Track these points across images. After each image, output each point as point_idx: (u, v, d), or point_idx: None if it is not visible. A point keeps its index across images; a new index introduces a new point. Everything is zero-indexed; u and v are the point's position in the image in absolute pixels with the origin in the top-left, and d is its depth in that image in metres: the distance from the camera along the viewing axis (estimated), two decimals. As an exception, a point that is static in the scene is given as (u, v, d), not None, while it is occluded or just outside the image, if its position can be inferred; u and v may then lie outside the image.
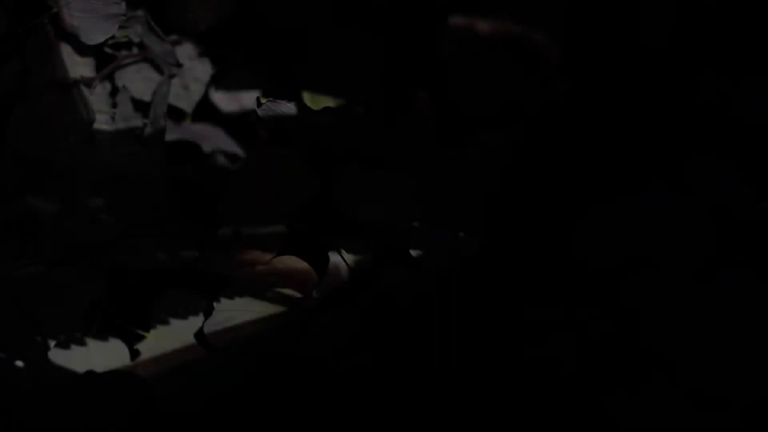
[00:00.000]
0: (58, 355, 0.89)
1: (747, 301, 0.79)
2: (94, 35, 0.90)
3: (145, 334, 0.91)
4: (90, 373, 0.88)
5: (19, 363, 0.87)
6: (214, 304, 0.86)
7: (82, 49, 0.95)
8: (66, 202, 0.91)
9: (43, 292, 0.88)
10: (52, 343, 0.88)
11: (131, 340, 0.91)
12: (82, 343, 0.90)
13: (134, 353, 0.91)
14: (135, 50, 1.03)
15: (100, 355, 0.90)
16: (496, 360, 0.86)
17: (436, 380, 0.88)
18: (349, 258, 0.86)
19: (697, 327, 0.79)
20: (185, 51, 1.08)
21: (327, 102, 1.07)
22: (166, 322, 0.91)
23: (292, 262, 0.88)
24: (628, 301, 0.81)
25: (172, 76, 0.98)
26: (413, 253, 0.85)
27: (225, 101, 1.12)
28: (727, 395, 0.77)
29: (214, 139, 1.11)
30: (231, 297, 0.87)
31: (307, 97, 1.06)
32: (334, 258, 0.86)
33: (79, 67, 0.95)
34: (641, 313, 0.80)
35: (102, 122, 0.97)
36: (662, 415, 0.78)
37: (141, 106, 1.00)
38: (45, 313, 0.88)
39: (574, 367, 0.81)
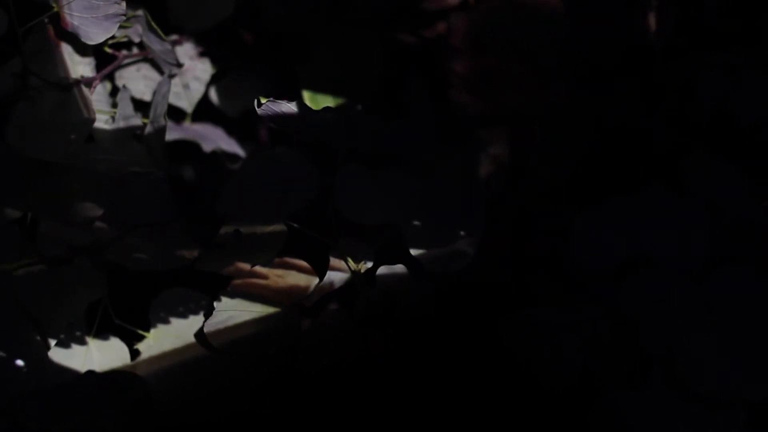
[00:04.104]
0: (58, 355, 0.89)
1: (746, 301, 0.79)
2: (94, 35, 0.90)
3: (145, 333, 0.91)
4: (90, 373, 0.88)
5: (19, 362, 0.87)
6: (214, 304, 0.86)
7: (82, 49, 0.95)
8: (66, 202, 0.91)
9: (43, 292, 0.88)
10: (52, 343, 0.88)
11: (131, 340, 0.91)
12: (82, 343, 0.90)
13: (134, 353, 0.91)
14: (135, 50, 1.03)
15: (100, 355, 0.90)
16: (495, 360, 0.87)
17: (434, 380, 0.88)
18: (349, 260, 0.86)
19: (697, 327, 0.79)
20: (185, 51, 1.08)
21: (327, 102, 1.07)
22: (166, 322, 0.91)
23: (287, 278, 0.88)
24: (627, 301, 0.81)
25: (172, 76, 0.98)
26: (413, 253, 0.85)
27: (225, 101, 1.12)
28: (727, 395, 0.77)
29: (214, 139, 1.11)
30: (231, 297, 0.87)
31: (307, 97, 1.06)
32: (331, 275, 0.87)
33: (79, 67, 0.95)
34: (640, 313, 0.80)
35: (102, 122, 0.97)
36: (662, 414, 0.78)
37: (141, 106, 1.01)
38: (45, 313, 0.88)
39: (574, 367, 0.81)
